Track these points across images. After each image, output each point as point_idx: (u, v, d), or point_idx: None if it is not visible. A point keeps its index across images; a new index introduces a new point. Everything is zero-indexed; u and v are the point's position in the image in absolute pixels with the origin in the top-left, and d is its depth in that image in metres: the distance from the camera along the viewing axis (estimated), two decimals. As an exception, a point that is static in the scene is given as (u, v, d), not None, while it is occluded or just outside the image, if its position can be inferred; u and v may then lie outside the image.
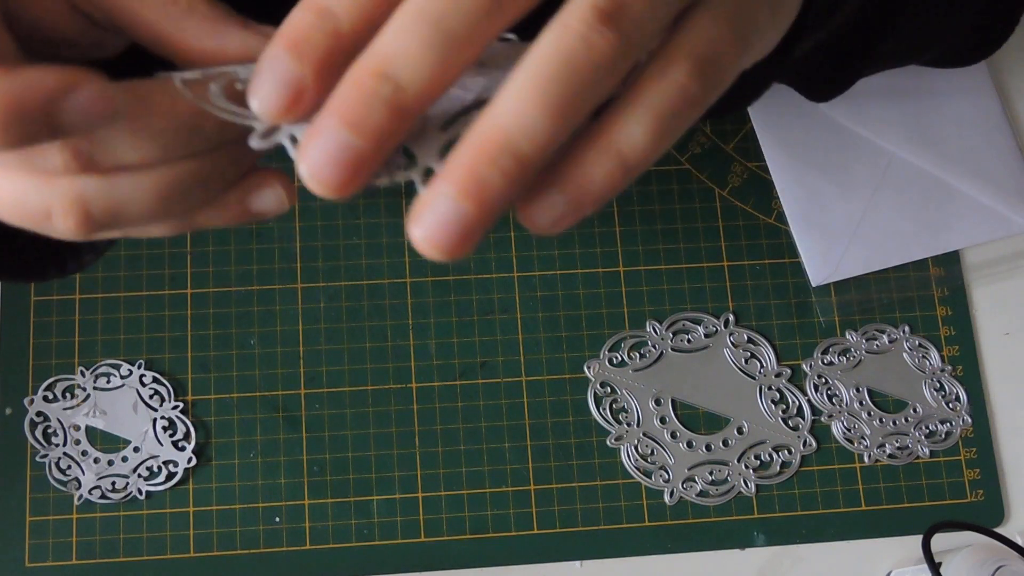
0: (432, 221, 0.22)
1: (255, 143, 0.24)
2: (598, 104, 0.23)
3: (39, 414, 0.55)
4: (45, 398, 0.55)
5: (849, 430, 0.57)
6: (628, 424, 0.57)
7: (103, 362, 0.56)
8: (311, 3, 0.22)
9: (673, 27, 0.24)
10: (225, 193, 0.27)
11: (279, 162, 0.29)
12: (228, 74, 0.25)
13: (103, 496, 0.54)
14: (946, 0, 0.47)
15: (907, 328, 0.59)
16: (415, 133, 0.24)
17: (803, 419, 0.57)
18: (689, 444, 0.57)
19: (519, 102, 0.22)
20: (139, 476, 0.54)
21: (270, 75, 0.22)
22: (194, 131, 0.24)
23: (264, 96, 0.23)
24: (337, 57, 0.23)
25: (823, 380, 0.58)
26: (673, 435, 0.57)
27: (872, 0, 0.43)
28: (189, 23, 0.25)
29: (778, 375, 0.58)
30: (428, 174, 0.24)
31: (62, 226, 0.25)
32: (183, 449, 0.55)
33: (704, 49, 0.24)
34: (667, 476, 0.56)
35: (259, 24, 0.25)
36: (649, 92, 0.23)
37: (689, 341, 0.58)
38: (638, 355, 0.58)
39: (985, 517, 0.57)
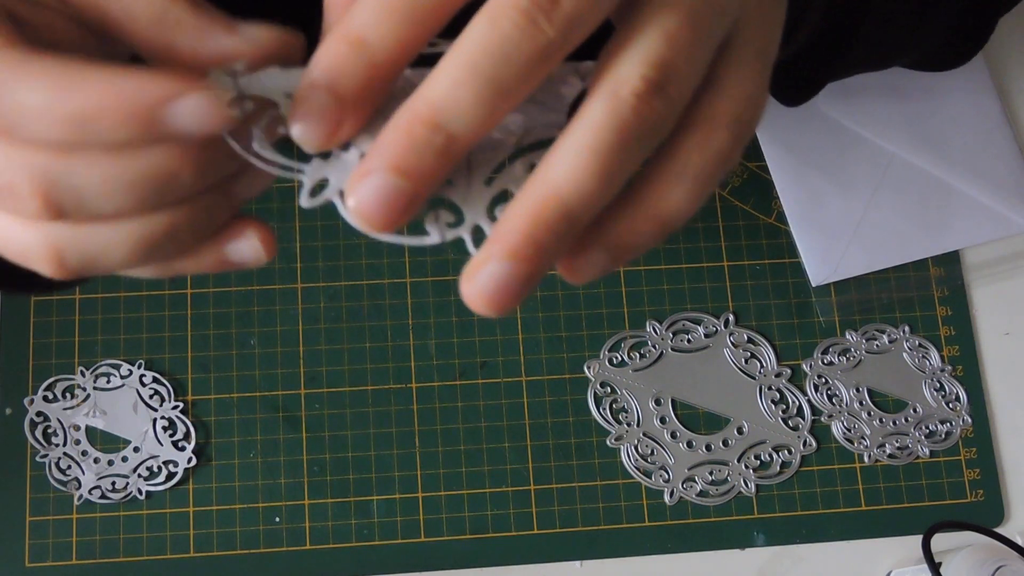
0: (488, 282, 0.23)
1: (304, 203, 0.24)
2: (640, 164, 0.24)
3: (39, 414, 0.55)
4: (45, 398, 0.55)
5: (849, 430, 0.57)
6: (628, 424, 0.57)
7: (103, 362, 0.56)
8: (345, 33, 0.23)
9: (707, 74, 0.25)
10: (202, 243, 0.26)
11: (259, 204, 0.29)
12: (270, 112, 0.24)
13: (103, 496, 0.54)
14: (914, 10, 0.47)
15: (907, 328, 0.59)
16: (461, 190, 0.25)
17: (803, 419, 0.57)
18: (689, 444, 0.57)
19: (574, 170, 0.23)
20: (139, 476, 0.54)
21: (307, 108, 0.23)
22: (171, 180, 0.24)
23: (303, 129, 0.23)
24: (374, 87, 0.23)
25: (823, 380, 0.58)
26: (673, 435, 0.57)
27: (835, 13, 0.43)
28: (177, 36, 0.25)
29: (778, 375, 0.58)
30: (477, 231, 0.25)
31: (40, 269, 0.25)
32: (183, 449, 0.55)
33: (742, 111, 0.25)
34: (667, 476, 0.56)
35: (245, 24, 0.25)
36: (692, 160, 0.25)
37: (689, 341, 0.58)
38: (638, 355, 0.58)
39: (985, 517, 0.57)
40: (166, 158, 0.24)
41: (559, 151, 0.23)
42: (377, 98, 0.24)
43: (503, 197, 0.25)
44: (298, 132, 0.23)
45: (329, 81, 0.23)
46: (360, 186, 0.23)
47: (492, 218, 0.25)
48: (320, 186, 0.24)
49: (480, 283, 0.23)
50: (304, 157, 0.24)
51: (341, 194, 0.24)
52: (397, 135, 0.22)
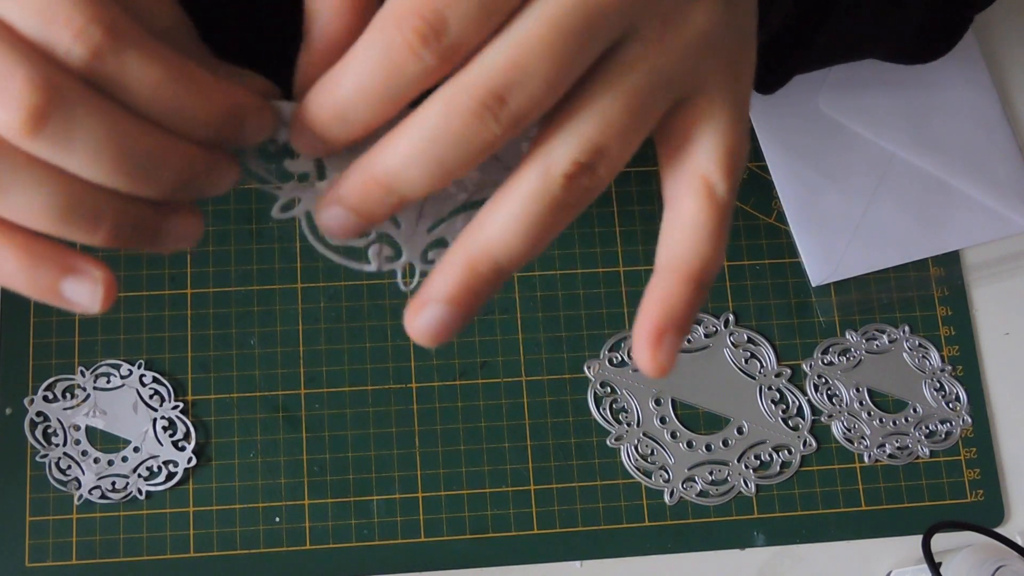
0: (429, 321, 0.27)
1: (276, 214, 0.29)
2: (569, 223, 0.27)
3: (39, 414, 0.55)
4: (45, 398, 0.55)
5: (849, 430, 0.57)
6: (628, 424, 0.57)
7: (103, 362, 0.56)
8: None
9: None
10: (52, 259, 0.26)
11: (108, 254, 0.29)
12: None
13: (103, 496, 0.54)
14: (882, 2, 0.47)
15: (907, 328, 0.59)
16: (406, 232, 0.29)
17: (803, 419, 0.57)
18: (689, 444, 0.57)
19: (504, 233, 0.26)
20: (139, 476, 0.54)
21: (330, 217, 0.27)
22: (155, 166, 0.25)
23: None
24: (355, 136, 0.26)
25: (823, 380, 0.58)
26: (673, 435, 0.57)
27: (800, 5, 0.44)
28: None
29: (778, 375, 0.58)
30: (409, 268, 0.29)
31: None
32: (183, 449, 0.55)
33: (726, 170, 0.27)
34: (667, 476, 0.56)
35: (244, 71, 0.28)
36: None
37: (689, 341, 0.58)
38: (638, 355, 0.58)
39: (985, 517, 0.57)
40: (171, 146, 0.25)
41: (494, 212, 0.26)
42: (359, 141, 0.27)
43: (439, 243, 0.29)
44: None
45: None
46: (325, 212, 0.27)
47: (425, 260, 0.30)
48: (290, 204, 0.29)
49: (422, 321, 0.27)
50: (284, 176, 0.28)
51: (306, 215, 0.29)
52: (356, 187, 0.26)
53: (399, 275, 0.29)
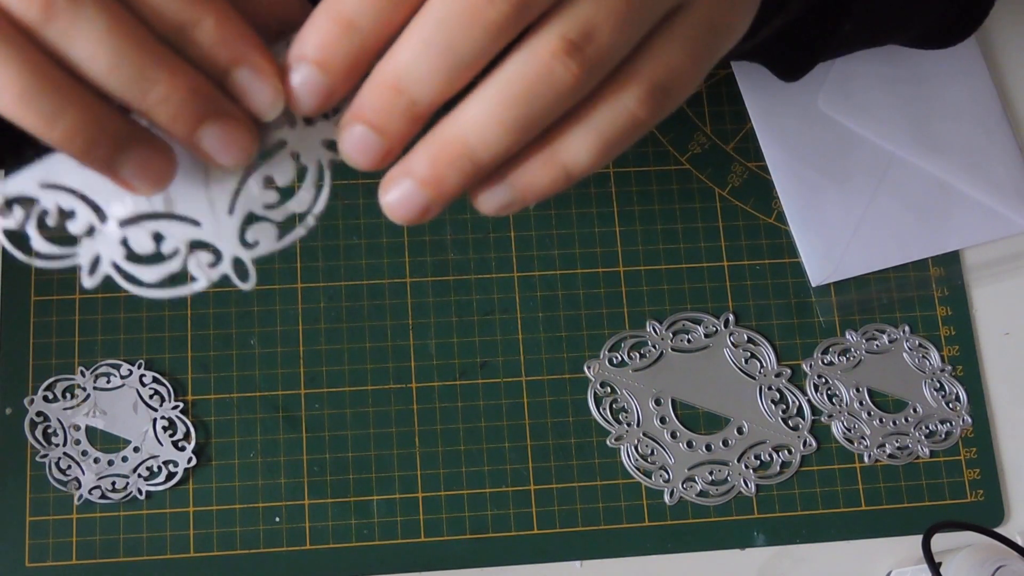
0: (398, 197, 0.26)
1: (87, 283, 0.26)
2: (555, 120, 0.26)
3: (39, 414, 0.55)
4: (45, 398, 0.55)
5: (849, 430, 0.57)
6: (628, 424, 0.57)
7: (103, 362, 0.56)
8: (335, 14, 0.24)
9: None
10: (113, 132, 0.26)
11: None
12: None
13: (103, 496, 0.54)
14: None
15: (907, 328, 0.59)
16: (210, 226, 0.27)
17: (803, 419, 0.57)
18: (689, 444, 0.57)
19: (481, 118, 0.25)
20: (139, 476, 0.54)
21: (301, 80, 0.25)
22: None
23: (299, 98, 0.25)
24: (361, 64, 0.25)
25: (823, 380, 0.58)
26: (673, 435, 0.57)
27: None
28: None
29: (778, 375, 0.58)
30: (238, 264, 0.27)
31: None
32: (183, 449, 0.55)
33: (661, 77, 0.26)
34: (667, 476, 0.56)
35: None
36: (599, 115, 0.26)
37: (689, 341, 0.58)
38: (638, 355, 0.58)
39: (985, 517, 0.57)
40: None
41: (475, 95, 0.25)
42: (363, 70, 0.25)
43: (251, 219, 0.27)
44: (293, 95, 0.25)
45: (319, 61, 0.25)
46: (345, 139, 0.26)
47: (245, 244, 0.27)
48: (96, 262, 0.26)
49: (393, 196, 0.26)
50: (71, 241, 0.26)
51: (115, 266, 0.26)
52: (368, 96, 0.25)
53: (233, 278, 0.27)
